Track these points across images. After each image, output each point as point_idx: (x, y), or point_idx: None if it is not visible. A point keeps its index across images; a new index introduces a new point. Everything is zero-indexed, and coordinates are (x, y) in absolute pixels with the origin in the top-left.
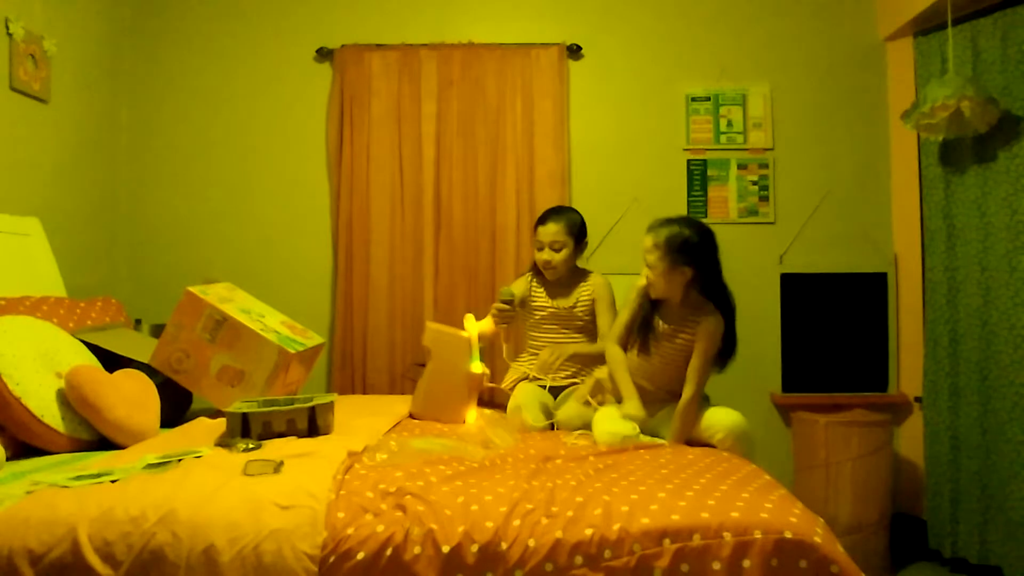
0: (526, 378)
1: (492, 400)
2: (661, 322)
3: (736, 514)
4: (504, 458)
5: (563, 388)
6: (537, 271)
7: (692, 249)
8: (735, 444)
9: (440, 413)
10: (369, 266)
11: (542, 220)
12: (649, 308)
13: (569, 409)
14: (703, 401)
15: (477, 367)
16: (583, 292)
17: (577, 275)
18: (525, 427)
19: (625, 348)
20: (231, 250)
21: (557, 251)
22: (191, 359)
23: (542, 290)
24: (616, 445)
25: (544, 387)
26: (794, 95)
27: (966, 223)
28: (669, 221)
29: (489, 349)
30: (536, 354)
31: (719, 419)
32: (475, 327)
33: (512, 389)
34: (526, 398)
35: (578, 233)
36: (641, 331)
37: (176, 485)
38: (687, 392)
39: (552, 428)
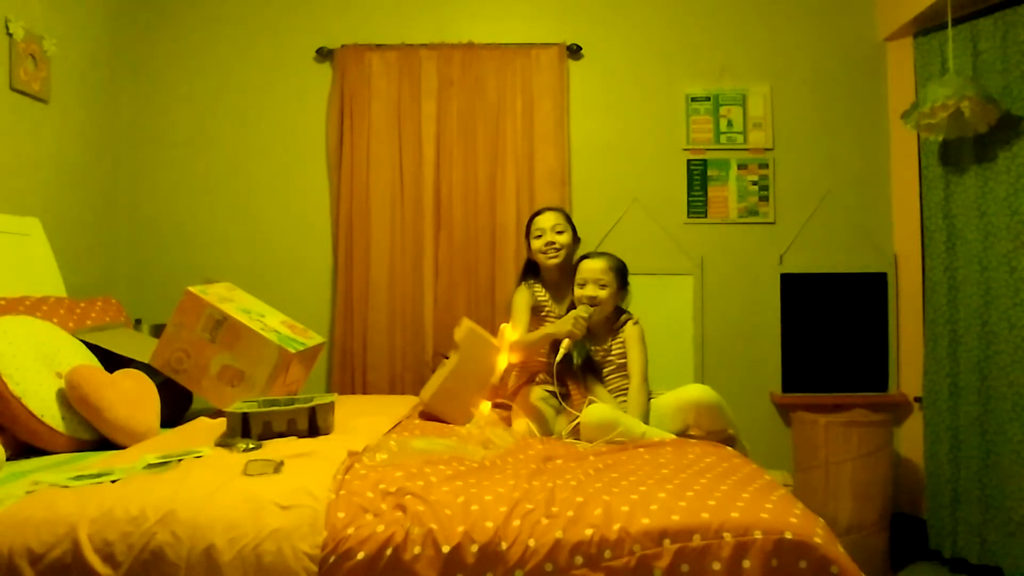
0: (531, 380)
1: (495, 403)
2: (595, 348)
3: (736, 514)
4: (504, 458)
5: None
6: (532, 272)
7: (627, 274)
8: (710, 418)
9: (448, 410)
10: (369, 266)
11: (538, 212)
12: (585, 346)
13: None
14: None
15: (498, 378)
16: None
17: (572, 275)
18: (529, 433)
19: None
20: (231, 250)
21: (560, 233)
22: (191, 359)
23: (547, 296)
24: (605, 428)
25: (553, 394)
26: (794, 95)
27: (966, 223)
28: (600, 252)
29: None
30: (543, 360)
31: (685, 399)
32: (511, 339)
33: (515, 393)
34: (530, 406)
35: (574, 226)
36: (587, 368)
37: (176, 485)
38: (634, 382)
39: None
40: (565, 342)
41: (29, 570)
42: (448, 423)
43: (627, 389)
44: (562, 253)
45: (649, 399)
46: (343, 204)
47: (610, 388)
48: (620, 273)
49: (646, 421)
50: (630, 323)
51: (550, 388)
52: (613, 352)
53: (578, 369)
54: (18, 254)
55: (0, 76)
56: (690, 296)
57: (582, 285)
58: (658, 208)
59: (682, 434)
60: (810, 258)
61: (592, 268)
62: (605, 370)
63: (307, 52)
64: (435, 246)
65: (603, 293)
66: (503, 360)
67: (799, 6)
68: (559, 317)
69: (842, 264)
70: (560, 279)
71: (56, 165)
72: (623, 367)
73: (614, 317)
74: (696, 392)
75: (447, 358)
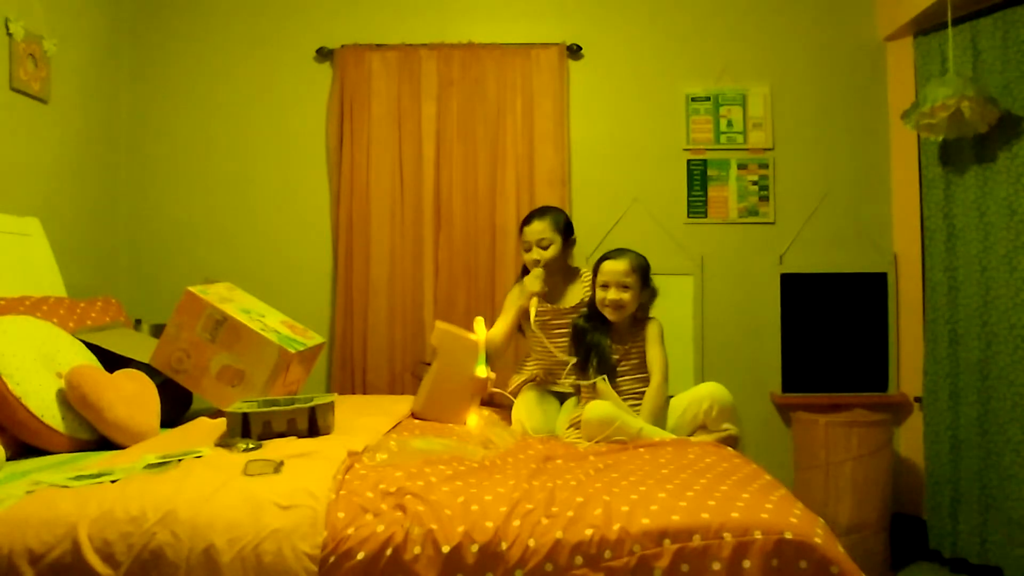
0: (533, 380)
1: (493, 401)
2: (616, 346)
3: (736, 514)
4: (504, 458)
5: (569, 395)
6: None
7: (649, 271)
8: (720, 412)
9: (442, 413)
10: (369, 266)
11: (526, 221)
12: (604, 343)
13: (563, 424)
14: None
15: (482, 371)
16: (580, 291)
17: (570, 274)
18: (526, 435)
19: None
20: (231, 250)
21: (545, 248)
22: (191, 359)
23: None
24: (605, 424)
25: (555, 394)
26: (794, 95)
27: (966, 223)
28: (621, 251)
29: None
30: (540, 360)
31: (700, 391)
32: (484, 330)
33: (515, 393)
34: (529, 406)
35: (564, 230)
36: (604, 366)
37: (176, 485)
38: (655, 380)
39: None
40: (534, 301)
41: (29, 570)
42: (447, 424)
43: (640, 392)
44: (549, 267)
45: (668, 400)
46: (343, 204)
47: (623, 389)
48: (643, 272)
49: (663, 423)
50: (650, 323)
51: (554, 388)
52: (632, 353)
53: (591, 368)
54: (18, 254)
55: (0, 76)
56: (690, 296)
57: (605, 287)
58: (658, 208)
59: (691, 433)
60: (810, 258)
61: (614, 271)
62: (620, 369)
63: (307, 52)
64: (435, 246)
65: (626, 295)
66: (482, 351)
67: (799, 6)
68: (554, 314)
69: (842, 264)
70: (551, 283)
71: (56, 165)
72: (638, 368)
73: (636, 318)
74: (712, 386)
75: (429, 365)
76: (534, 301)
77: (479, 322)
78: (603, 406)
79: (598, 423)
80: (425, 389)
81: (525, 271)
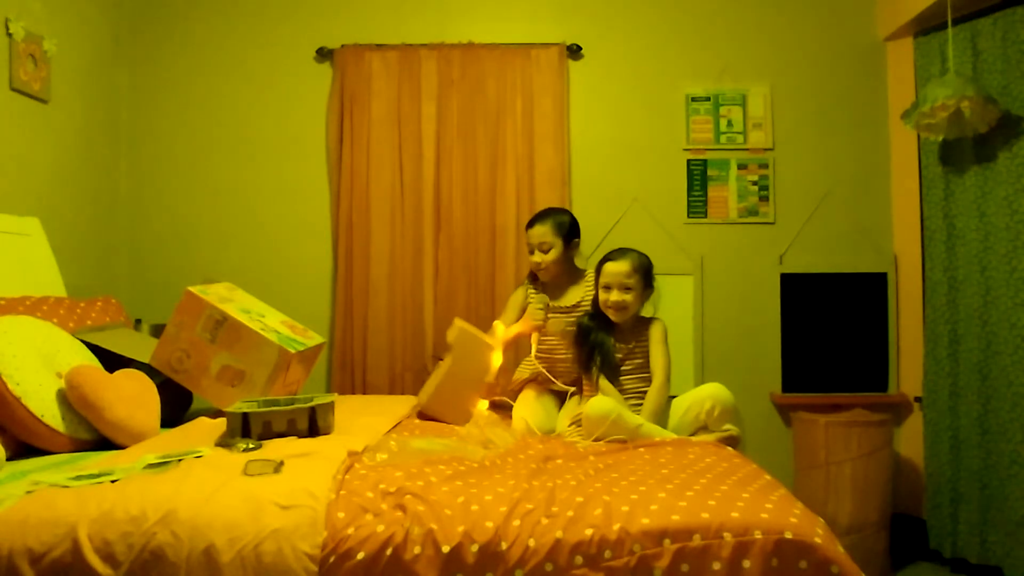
0: (534, 379)
1: (493, 403)
2: (619, 345)
3: (736, 514)
4: (504, 458)
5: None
6: (534, 277)
7: (651, 271)
8: (722, 413)
9: (446, 411)
10: (369, 266)
11: (530, 224)
12: (607, 342)
13: (564, 422)
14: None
15: (493, 376)
16: (583, 291)
17: (575, 275)
18: (530, 433)
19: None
20: (231, 250)
21: (545, 252)
22: (191, 359)
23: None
24: (605, 419)
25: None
26: (794, 95)
27: (966, 223)
28: (624, 251)
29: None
30: (541, 357)
31: (702, 392)
32: (502, 336)
33: (515, 391)
34: (529, 406)
35: (567, 233)
36: (607, 365)
37: (176, 485)
38: (657, 380)
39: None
40: (534, 336)
41: (29, 570)
42: (447, 424)
43: (643, 391)
44: (550, 270)
45: (669, 400)
46: (343, 204)
47: (626, 388)
48: (645, 272)
49: (664, 423)
50: (654, 323)
51: (556, 388)
52: (636, 352)
53: (595, 367)
54: (18, 254)
55: (0, 76)
56: (690, 296)
57: (607, 288)
58: (658, 208)
59: (693, 433)
60: (810, 258)
61: (616, 272)
62: (623, 368)
63: (307, 52)
64: (435, 246)
65: (629, 296)
66: (497, 357)
67: (799, 6)
68: (554, 313)
69: (842, 264)
70: (554, 284)
71: (56, 165)
72: (642, 368)
73: (641, 318)
74: (714, 387)
75: (442, 360)
76: (535, 336)
77: (498, 327)
78: (603, 401)
79: (598, 418)
80: (433, 384)
81: (533, 274)
